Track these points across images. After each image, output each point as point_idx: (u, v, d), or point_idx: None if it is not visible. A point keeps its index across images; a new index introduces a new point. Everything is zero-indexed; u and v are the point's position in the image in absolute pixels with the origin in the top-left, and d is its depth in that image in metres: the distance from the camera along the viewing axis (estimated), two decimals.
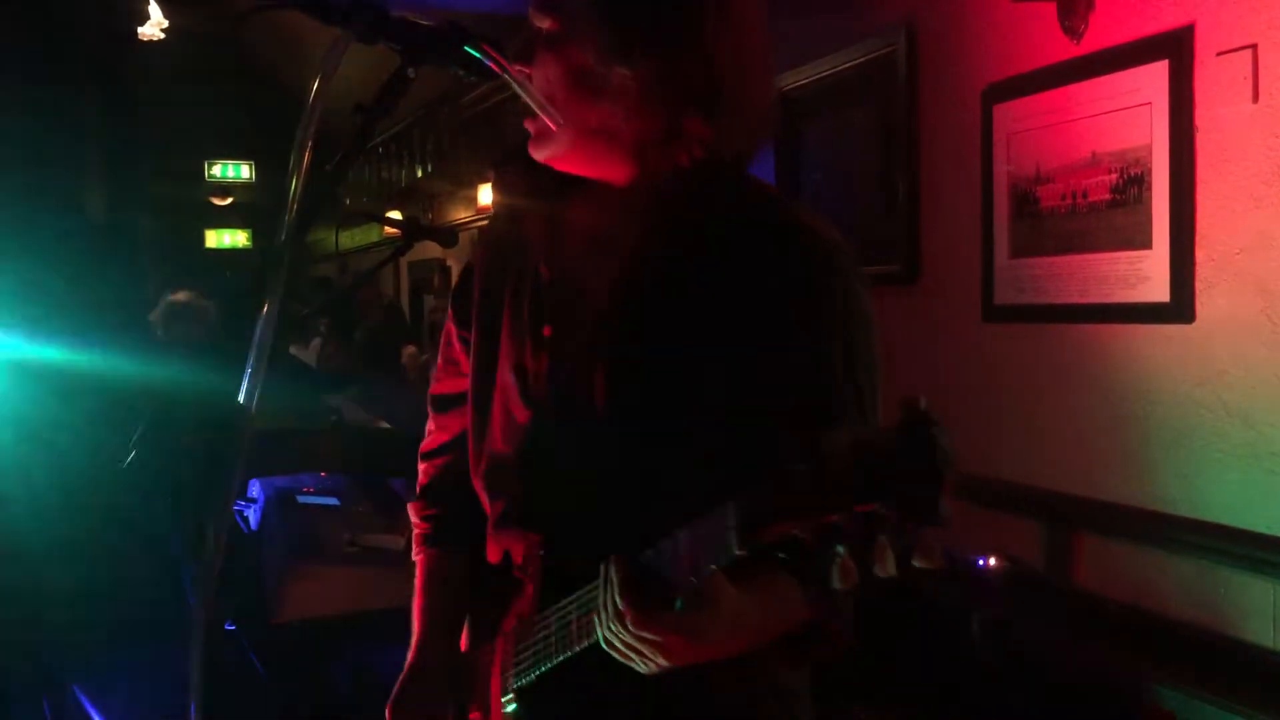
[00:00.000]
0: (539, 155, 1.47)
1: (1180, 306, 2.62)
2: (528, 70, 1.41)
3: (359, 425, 4.79)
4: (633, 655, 1.24)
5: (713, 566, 1.12)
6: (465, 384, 1.66)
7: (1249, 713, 2.34)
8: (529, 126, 1.45)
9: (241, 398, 1.13)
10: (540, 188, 1.55)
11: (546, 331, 1.50)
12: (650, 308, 1.41)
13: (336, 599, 3.13)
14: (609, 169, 1.48)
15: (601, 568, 1.25)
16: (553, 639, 1.41)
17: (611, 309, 1.44)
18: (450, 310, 1.72)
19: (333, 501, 3.86)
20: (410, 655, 1.67)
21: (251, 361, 1.13)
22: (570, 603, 1.36)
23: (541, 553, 1.49)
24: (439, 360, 1.78)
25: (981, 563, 3.05)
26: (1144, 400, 2.75)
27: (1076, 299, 2.91)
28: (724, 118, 1.44)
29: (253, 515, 3.95)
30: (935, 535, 0.94)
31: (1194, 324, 2.61)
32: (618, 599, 1.22)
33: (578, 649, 1.35)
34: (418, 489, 1.79)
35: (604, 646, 1.26)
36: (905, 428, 0.95)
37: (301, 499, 3.85)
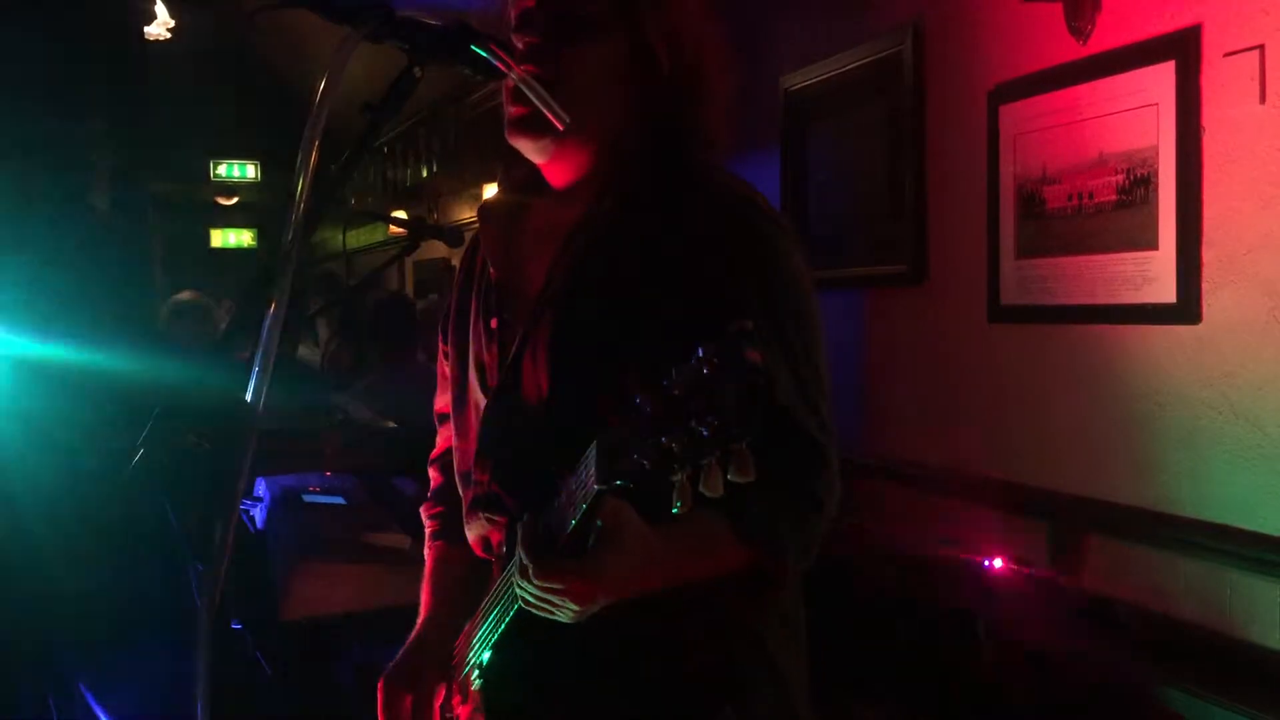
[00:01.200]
0: (530, 143, 1.50)
1: (1187, 307, 2.62)
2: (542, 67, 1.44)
3: (365, 424, 4.79)
4: (547, 607, 1.30)
5: (584, 505, 1.20)
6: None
7: (1257, 715, 2.33)
8: (515, 111, 1.48)
9: (248, 396, 1.13)
10: (496, 207, 1.67)
11: (494, 324, 1.57)
12: (577, 288, 1.47)
13: (343, 598, 3.13)
14: (575, 164, 1.54)
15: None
16: (494, 612, 1.48)
17: (542, 293, 1.50)
18: (439, 332, 1.80)
19: (339, 500, 3.86)
20: (412, 635, 1.72)
21: (258, 360, 1.13)
22: (508, 571, 1.42)
23: (504, 535, 1.55)
24: (439, 380, 1.85)
25: (988, 564, 3.04)
26: (1151, 401, 2.74)
27: (1083, 300, 2.90)
28: (690, 106, 1.51)
29: (259, 514, 3.95)
30: (748, 451, 1.02)
31: (1201, 325, 2.60)
32: (521, 555, 1.28)
33: (509, 616, 1.42)
34: (429, 492, 1.87)
35: (521, 602, 1.33)
36: (720, 348, 1.02)
37: (308, 498, 3.84)
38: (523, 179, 1.65)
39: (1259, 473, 2.48)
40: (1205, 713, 2.43)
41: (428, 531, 1.83)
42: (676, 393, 1.03)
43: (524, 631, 1.43)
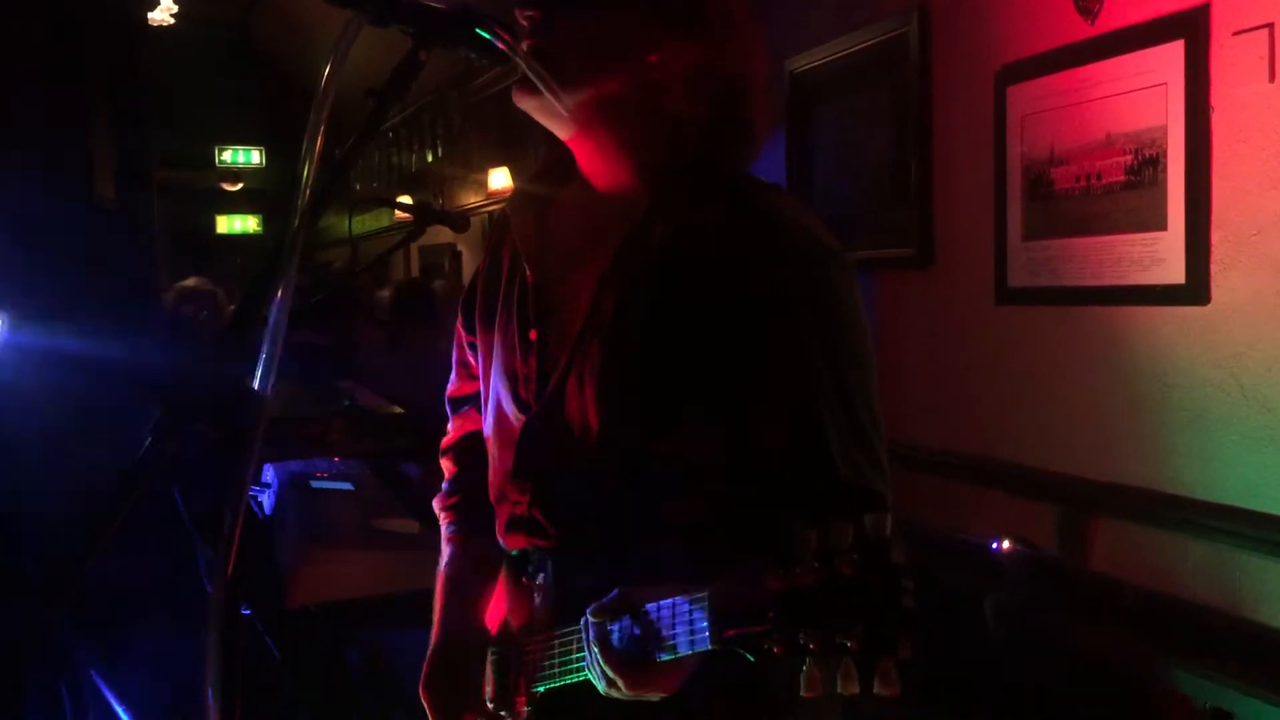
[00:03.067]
0: (532, 102, 1.45)
1: (1196, 288, 2.60)
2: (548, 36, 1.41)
3: (372, 410, 4.80)
4: (637, 698, 1.30)
5: (680, 652, 1.18)
6: (476, 386, 1.70)
7: (1267, 696, 2.33)
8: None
9: (256, 382, 1.12)
10: (528, 196, 1.60)
11: (533, 335, 1.52)
12: (630, 315, 1.41)
13: (351, 583, 3.14)
14: (602, 149, 1.49)
15: (582, 624, 1.31)
16: (558, 662, 1.45)
17: (590, 316, 1.44)
18: (460, 316, 1.76)
19: (347, 486, 3.87)
20: (434, 634, 1.69)
21: (266, 346, 1.13)
22: (574, 632, 1.39)
23: (549, 561, 1.52)
24: (454, 366, 1.82)
25: (995, 546, 3.04)
26: (1159, 383, 2.73)
27: (1091, 281, 2.89)
28: (725, 113, 1.45)
29: (267, 500, 3.96)
30: (894, 663, 1.00)
31: (1210, 306, 2.59)
32: (607, 670, 1.27)
33: (574, 671, 1.40)
34: (443, 486, 1.82)
35: (603, 693, 1.32)
36: (867, 553, 1.00)
37: (315, 484, 3.85)
38: (552, 164, 1.60)
39: (1269, 454, 2.48)
40: (1215, 694, 2.43)
41: (445, 523, 1.78)
42: (808, 582, 1.01)
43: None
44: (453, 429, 1.83)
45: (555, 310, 1.50)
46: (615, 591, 1.30)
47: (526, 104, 1.46)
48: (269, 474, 4.04)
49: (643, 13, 1.43)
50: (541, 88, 1.39)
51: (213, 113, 12.26)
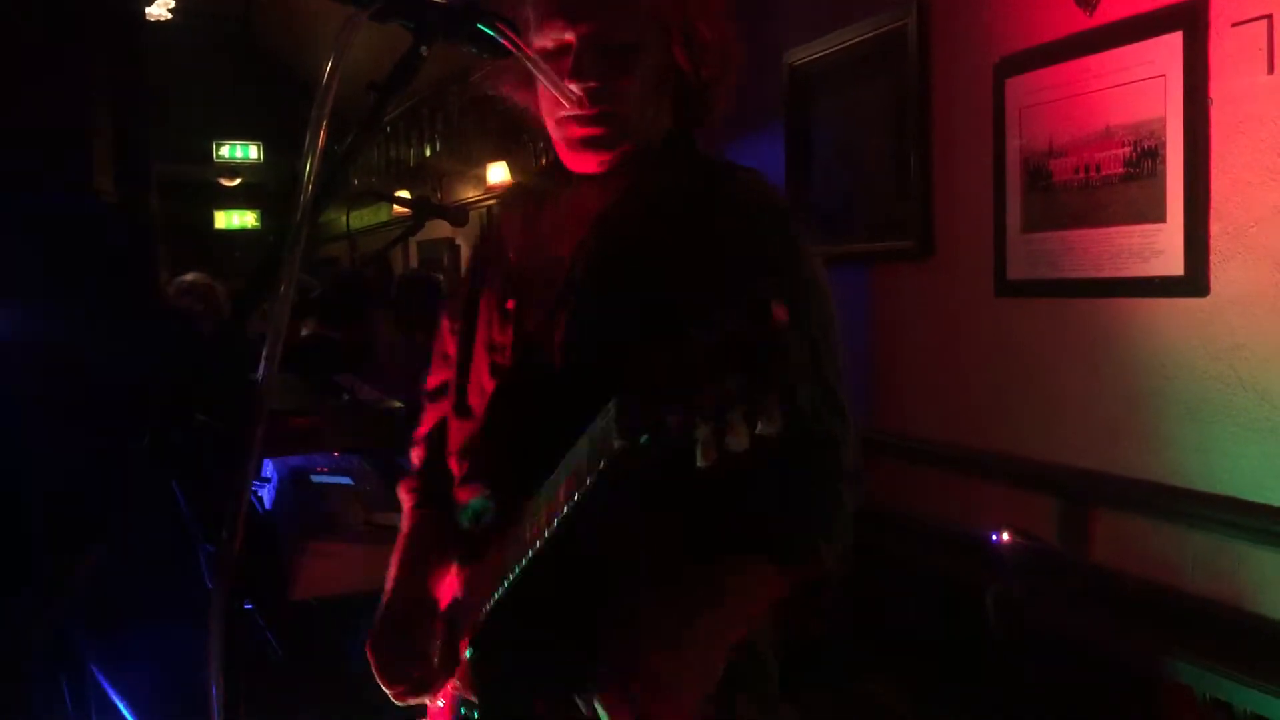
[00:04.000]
0: (601, 158, 1.56)
1: (1195, 280, 2.61)
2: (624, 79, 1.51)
3: (371, 404, 4.80)
4: None
5: (602, 462, 1.19)
6: (453, 374, 1.77)
7: (1266, 687, 2.34)
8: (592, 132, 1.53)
9: (257, 377, 1.13)
10: (519, 194, 1.72)
11: (509, 305, 1.61)
12: (605, 272, 1.52)
13: (352, 577, 3.14)
14: (599, 161, 1.58)
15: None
16: (488, 581, 1.49)
17: (568, 275, 1.54)
18: (446, 308, 1.84)
19: (347, 481, 3.88)
20: (385, 596, 1.74)
21: (267, 341, 1.13)
22: (503, 540, 1.45)
23: (495, 504, 1.57)
24: (434, 358, 1.88)
25: (996, 538, 3.05)
26: (1158, 375, 2.74)
27: (1090, 273, 2.90)
28: (694, 108, 1.60)
29: (267, 495, 3.96)
30: (774, 403, 1.03)
31: (1209, 297, 2.59)
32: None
33: (505, 582, 1.44)
34: (412, 468, 1.89)
35: None
36: (748, 310, 1.04)
37: (316, 478, 3.86)
38: (544, 168, 1.72)
39: (1267, 445, 2.48)
40: (1214, 685, 2.44)
41: (409, 504, 1.84)
42: (700, 353, 1.04)
43: (518, 605, 1.46)
44: (427, 418, 1.88)
45: (532, 283, 1.60)
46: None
47: (589, 160, 1.57)
48: (269, 469, 4.04)
49: (662, 47, 1.55)
50: (549, 86, 1.42)
51: (211, 108, 12.25)
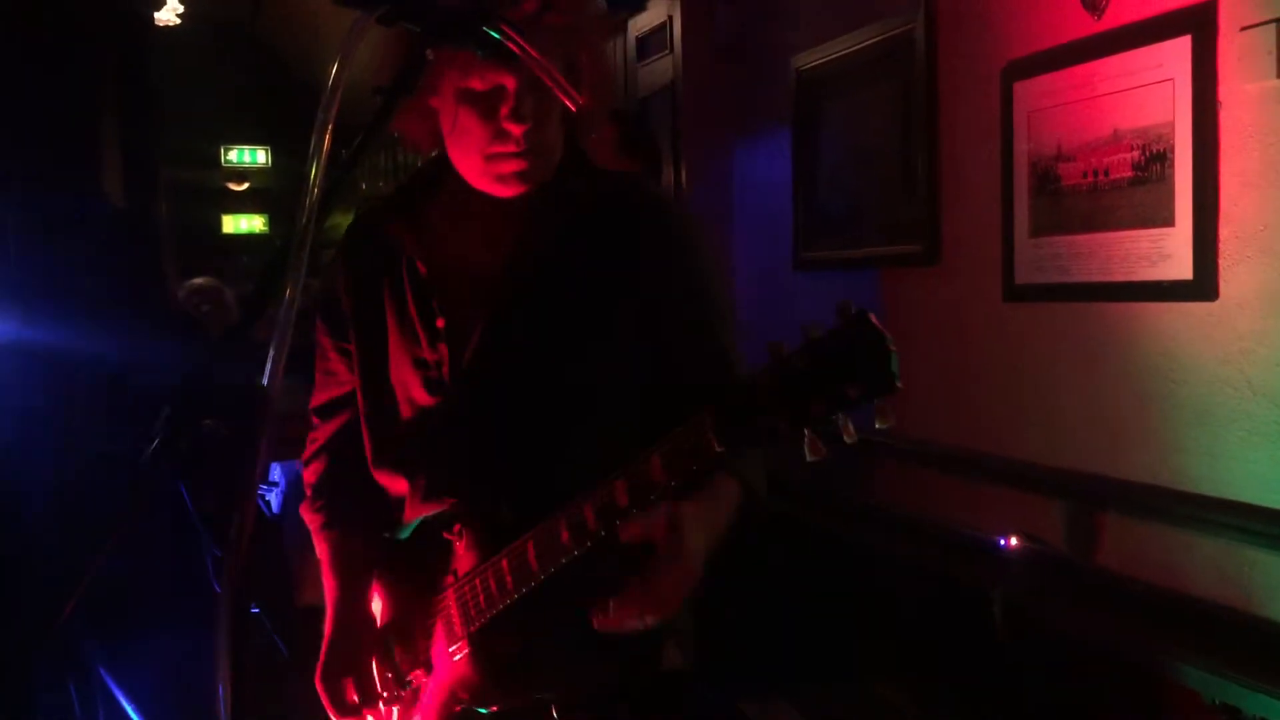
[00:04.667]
0: (531, 183, 1.64)
1: (1204, 284, 2.60)
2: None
3: None
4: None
5: (694, 468, 1.29)
6: (343, 390, 1.86)
7: (1275, 692, 2.33)
8: (523, 164, 1.62)
9: (265, 381, 1.13)
10: (400, 199, 1.79)
11: (440, 324, 1.67)
12: (541, 286, 1.64)
13: None
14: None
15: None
16: (497, 586, 1.55)
17: (505, 293, 1.64)
18: (322, 326, 1.87)
19: None
20: (327, 627, 1.80)
21: (274, 345, 1.13)
22: (508, 552, 1.52)
23: (469, 513, 1.63)
24: (318, 376, 1.92)
25: (1003, 543, 3.04)
26: (1167, 379, 2.73)
27: (1098, 277, 2.89)
28: (590, 120, 1.72)
29: (274, 499, 3.97)
30: (891, 401, 1.15)
31: (1218, 301, 2.58)
32: (643, 621, 1.39)
33: (524, 590, 1.50)
34: (307, 491, 1.96)
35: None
36: (845, 323, 1.17)
37: None
38: (420, 174, 1.81)
39: (1277, 449, 2.47)
40: (1224, 690, 2.43)
41: (316, 525, 1.91)
42: (803, 365, 1.16)
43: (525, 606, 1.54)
44: (318, 435, 1.96)
45: (457, 297, 1.67)
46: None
47: (512, 190, 1.65)
48: (276, 473, 4.04)
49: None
50: (561, 95, 1.45)
51: (218, 112, 12.27)
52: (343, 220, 2.07)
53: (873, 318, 1.14)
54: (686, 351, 1.63)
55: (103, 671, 2.85)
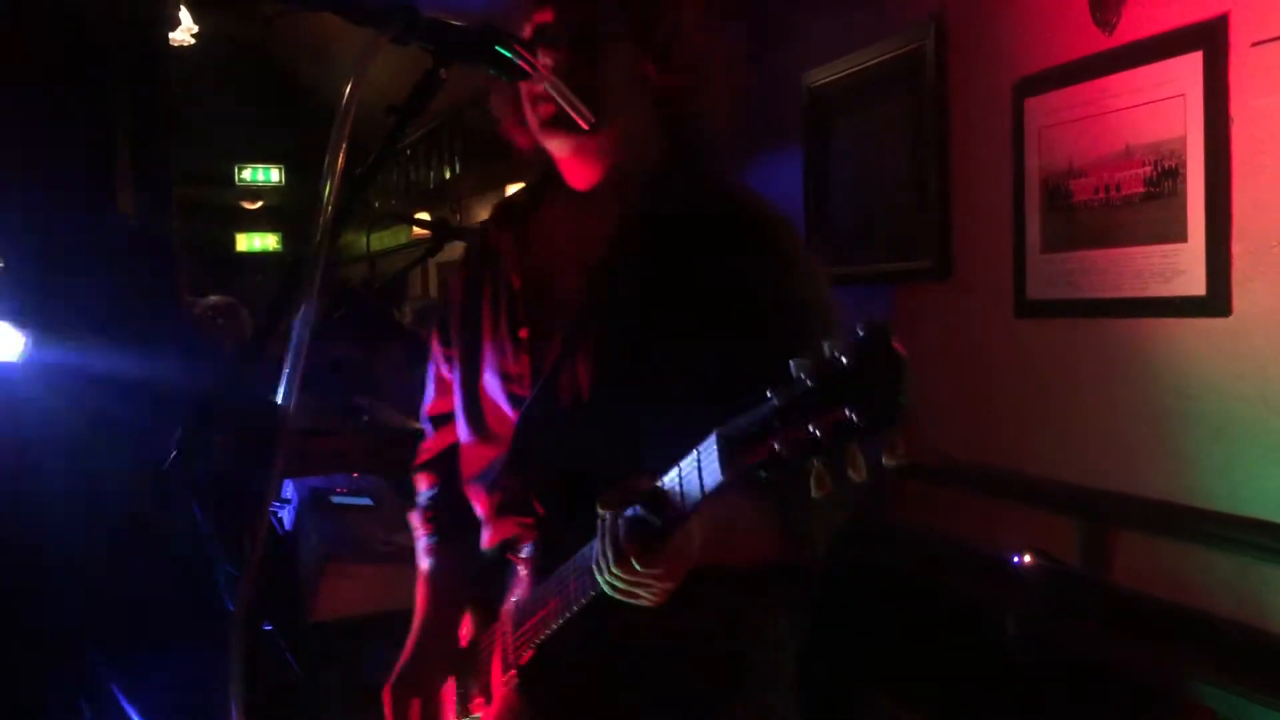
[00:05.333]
0: (562, 140, 1.58)
1: (1217, 300, 2.59)
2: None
3: (390, 426, 4.81)
4: (638, 592, 1.31)
5: (700, 496, 1.19)
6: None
7: None
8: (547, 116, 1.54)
9: (279, 398, 1.13)
10: (509, 211, 1.75)
11: (523, 334, 1.63)
12: (622, 298, 1.56)
13: (372, 598, 3.14)
14: (591, 169, 1.63)
15: (598, 523, 1.31)
16: (544, 612, 1.51)
17: (586, 303, 1.58)
18: (436, 334, 1.86)
19: (366, 502, 3.88)
20: (411, 639, 1.76)
21: (288, 362, 1.13)
22: (565, 569, 1.46)
23: (536, 534, 1.60)
24: (432, 383, 1.90)
25: (1017, 560, 3.02)
26: (1181, 395, 2.72)
27: (1111, 293, 2.88)
28: (691, 116, 1.63)
29: (287, 516, 3.97)
30: (899, 434, 1.00)
31: (1231, 317, 2.57)
32: (622, 545, 1.28)
33: (575, 609, 1.44)
34: (420, 499, 1.90)
35: (608, 591, 1.32)
36: (860, 340, 1.02)
37: (336, 499, 3.87)
38: (532, 185, 1.76)
39: None
40: (1241, 708, 2.41)
41: (426, 534, 1.85)
42: (813, 384, 1.03)
43: (579, 633, 1.48)
44: (432, 444, 1.90)
45: (543, 309, 1.63)
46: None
47: (554, 142, 1.60)
48: (289, 490, 4.05)
49: (639, 52, 1.59)
50: (563, 104, 1.44)
51: (232, 131, 12.34)
52: (357, 238, 2.09)
53: (885, 336, 1.02)
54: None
55: (115, 689, 2.85)
